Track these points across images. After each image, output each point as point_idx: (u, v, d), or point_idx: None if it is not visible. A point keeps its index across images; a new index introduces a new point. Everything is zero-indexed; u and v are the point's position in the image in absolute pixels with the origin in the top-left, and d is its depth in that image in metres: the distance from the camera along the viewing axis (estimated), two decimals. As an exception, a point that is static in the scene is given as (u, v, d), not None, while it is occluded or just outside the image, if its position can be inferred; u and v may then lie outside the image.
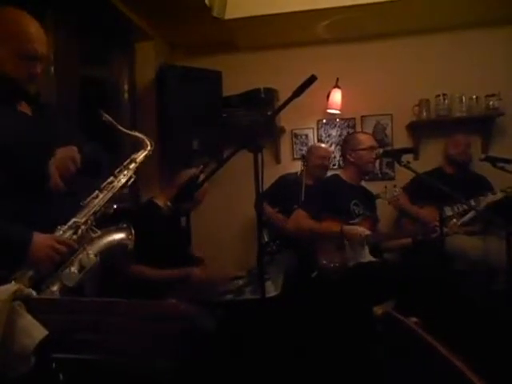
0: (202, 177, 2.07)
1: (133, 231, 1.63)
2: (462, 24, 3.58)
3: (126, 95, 3.55)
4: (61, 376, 0.94)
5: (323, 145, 3.67)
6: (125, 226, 1.64)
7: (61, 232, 1.48)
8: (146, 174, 3.48)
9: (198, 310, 2.14)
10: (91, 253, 1.50)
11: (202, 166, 2.08)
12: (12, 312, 0.94)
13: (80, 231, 1.50)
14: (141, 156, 1.72)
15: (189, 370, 1.18)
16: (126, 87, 3.55)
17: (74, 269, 1.46)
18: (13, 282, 1.26)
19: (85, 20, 2.82)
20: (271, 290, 2.39)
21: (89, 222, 1.54)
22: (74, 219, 1.51)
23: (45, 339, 0.93)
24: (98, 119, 1.65)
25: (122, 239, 1.61)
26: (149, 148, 1.74)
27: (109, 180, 1.62)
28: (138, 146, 1.74)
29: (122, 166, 1.67)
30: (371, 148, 2.59)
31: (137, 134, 1.76)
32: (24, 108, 1.56)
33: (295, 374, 2.12)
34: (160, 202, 2.45)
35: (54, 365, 0.94)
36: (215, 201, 3.72)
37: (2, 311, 0.93)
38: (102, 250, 1.54)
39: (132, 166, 1.69)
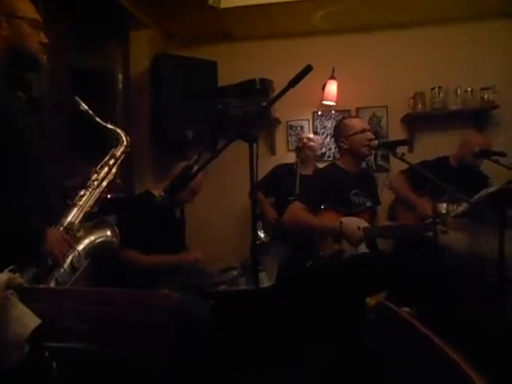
0: (196, 167, 2.07)
1: (115, 228, 1.62)
2: (458, 16, 3.57)
3: (121, 85, 3.51)
4: (54, 364, 0.94)
5: (313, 135, 3.68)
6: (104, 220, 1.63)
7: None
8: (139, 164, 3.47)
9: (191, 300, 2.15)
10: (82, 253, 1.50)
11: (196, 157, 2.07)
12: (4, 301, 0.94)
13: (71, 231, 1.49)
14: (119, 152, 1.69)
15: (181, 360, 1.19)
16: (120, 77, 3.51)
17: (67, 269, 1.46)
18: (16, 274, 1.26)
19: (78, 8, 2.78)
20: (265, 280, 2.40)
21: (78, 221, 1.52)
22: (68, 219, 1.50)
23: (38, 328, 0.93)
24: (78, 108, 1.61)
25: (107, 236, 1.60)
26: (124, 144, 1.71)
27: (93, 178, 1.61)
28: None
29: (103, 162, 1.65)
30: (363, 130, 2.49)
31: (113, 127, 1.71)
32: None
33: (289, 363, 2.13)
34: (156, 192, 2.45)
35: (47, 353, 0.94)
36: (209, 191, 3.70)
37: (-5, 300, 0.93)
38: (89, 249, 1.53)
39: (112, 161, 1.67)
